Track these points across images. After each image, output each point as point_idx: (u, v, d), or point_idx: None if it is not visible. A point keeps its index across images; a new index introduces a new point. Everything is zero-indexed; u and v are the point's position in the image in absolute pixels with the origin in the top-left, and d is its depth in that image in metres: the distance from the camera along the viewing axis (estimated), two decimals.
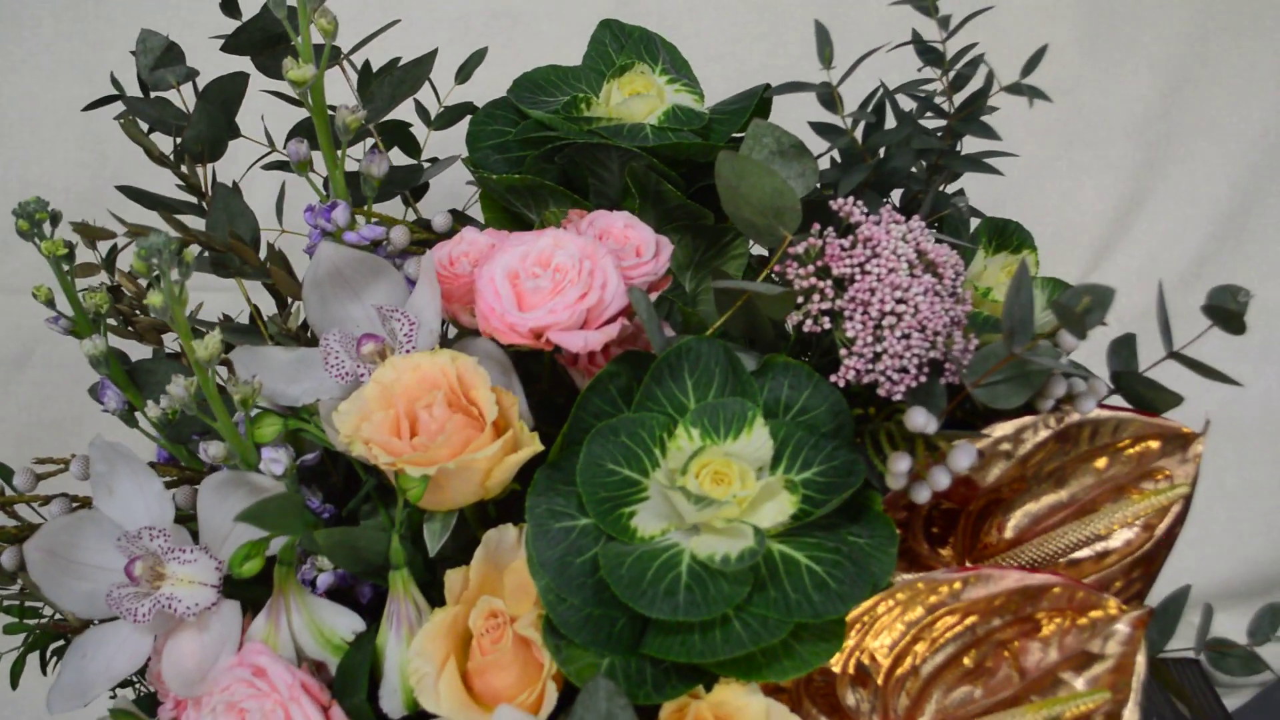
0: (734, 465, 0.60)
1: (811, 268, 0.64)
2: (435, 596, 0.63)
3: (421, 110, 0.82)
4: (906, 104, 0.72)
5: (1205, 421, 0.71)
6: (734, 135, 0.76)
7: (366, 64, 0.79)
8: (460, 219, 0.78)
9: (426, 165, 0.79)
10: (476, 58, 0.82)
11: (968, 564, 0.71)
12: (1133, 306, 1.22)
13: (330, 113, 0.66)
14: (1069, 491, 0.70)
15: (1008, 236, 0.78)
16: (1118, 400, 0.70)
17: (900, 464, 0.61)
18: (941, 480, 0.61)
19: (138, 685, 0.70)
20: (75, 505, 0.68)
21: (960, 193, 0.76)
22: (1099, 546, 0.70)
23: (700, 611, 0.57)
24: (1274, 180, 1.20)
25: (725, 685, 0.60)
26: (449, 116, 0.82)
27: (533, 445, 0.60)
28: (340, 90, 0.81)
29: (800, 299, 0.63)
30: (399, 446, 0.59)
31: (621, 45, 0.80)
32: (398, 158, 0.80)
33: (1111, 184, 1.22)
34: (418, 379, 0.61)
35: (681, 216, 0.74)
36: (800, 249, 0.64)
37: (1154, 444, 0.69)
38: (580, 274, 0.60)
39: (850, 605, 0.59)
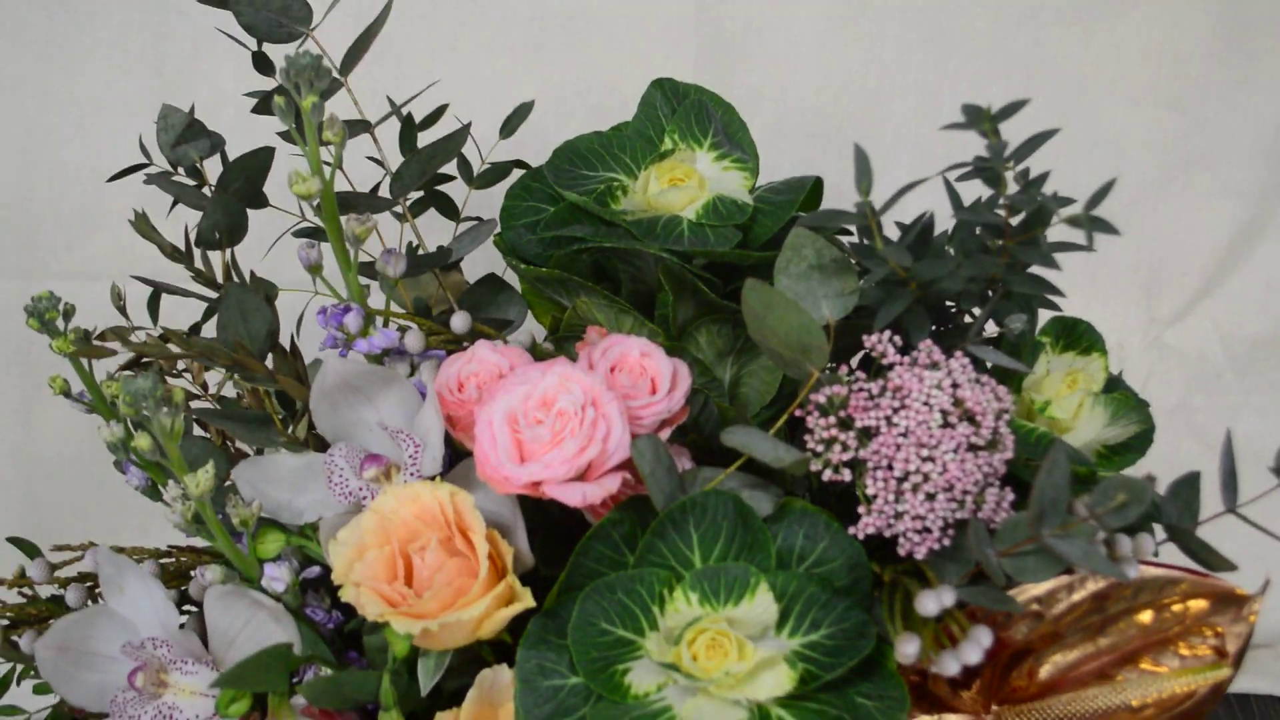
0: (732, 636, 0.57)
1: (833, 417, 0.60)
2: None
3: (464, 164, 0.79)
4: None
5: (1265, 582, 0.66)
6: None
7: (409, 118, 0.76)
8: (490, 294, 0.75)
9: (465, 229, 0.76)
10: (522, 111, 0.78)
11: (994, 707, 0.67)
12: (1245, 337, 1.14)
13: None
14: (1109, 641, 0.66)
15: (1076, 337, 0.72)
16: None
17: (908, 647, 0.58)
18: (951, 668, 0.58)
19: None
20: (90, 588, 0.69)
21: (1026, 300, 0.70)
22: (1134, 697, 0.66)
23: None
24: None
25: None
26: (492, 176, 0.78)
27: (524, 600, 0.59)
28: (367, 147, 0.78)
29: (820, 448, 0.60)
30: (390, 594, 0.58)
31: (673, 108, 0.75)
32: (434, 220, 0.78)
33: (1231, 207, 1.13)
34: (416, 512, 0.60)
35: (720, 308, 0.71)
36: (823, 397, 0.60)
37: (1204, 603, 0.64)
38: (582, 423, 0.58)
39: None
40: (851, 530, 0.60)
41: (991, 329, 0.74)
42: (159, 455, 0.57)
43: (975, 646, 0.57)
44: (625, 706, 0.58)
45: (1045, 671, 0.66)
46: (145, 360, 0.72)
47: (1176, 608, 0.64)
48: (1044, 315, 0.74)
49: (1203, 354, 1.14)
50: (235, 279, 0.72)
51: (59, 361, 0.68)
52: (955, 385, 0.60)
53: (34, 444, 1.21)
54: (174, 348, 0.60)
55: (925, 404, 0.59)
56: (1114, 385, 0.72)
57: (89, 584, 0.70)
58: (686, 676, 0.57)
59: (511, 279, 0.77)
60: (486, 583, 0.58)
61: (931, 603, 0.57)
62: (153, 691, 0.63)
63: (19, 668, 0.73)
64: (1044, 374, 0.72)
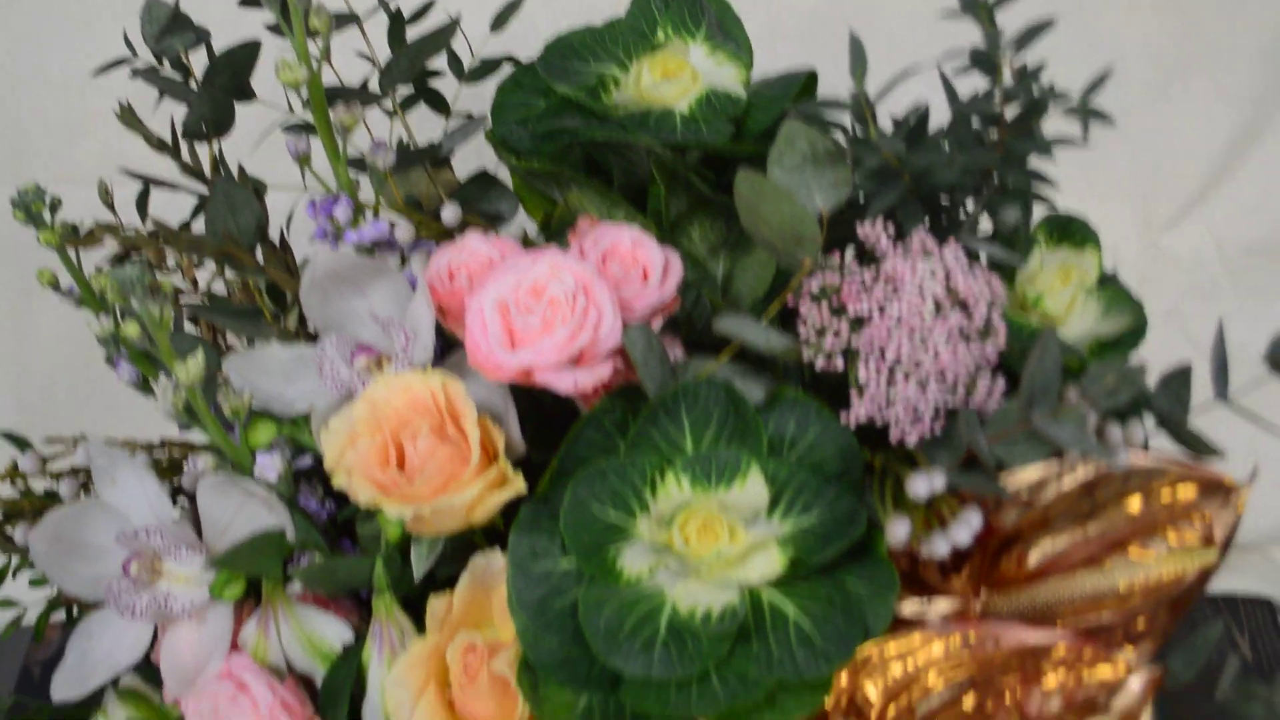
0: (723, 519, 0.57)
1: (826, 305, 0.60)
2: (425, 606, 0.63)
3: (454, 60, 0.78)
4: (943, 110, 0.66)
5: (1252, 469, 0.66)
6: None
7: (398, 12, 0.75)
8: (481, 190, 0.74)
9: (456, 125, 0.75)
10: (513, 6, 0.77)
11: (982, 592, 0.68)
12: (1240, 243, 1.14)
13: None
14: (1098, 528, 0.66)
15: (1070, 232, 0.72)
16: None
17: (898, 529, 0.58)
18: (941, 549, 0.58)
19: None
20: (84, 482, 0.69)
21: (1022, 193, 0.70)
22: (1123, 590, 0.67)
23: (675, 670, 0.56)
24: None
25: None
26: (483, 71, 0.77)
27: (516, 485, 0.59)
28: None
29: (813, 336, 0.60)
30: (381, 479, 0.58)
31: (667, 2, 0.74)
32: (425, 121, 0.77)
33: (1228, 113, 1.12)
34: (407, 401, 0.60)
35: (713, 201, 0.70)
36: (815, 285, 0.60)
37: (1193, 491, 0.65)
38: (574, 311, 0.57)
39: (835, 665, 0.57)
40: (843, 418, 0.60)
41: (986, 230, 0.74)
42: (148, 344, 0.57)
43: (965, 527, 0.58)
44: (617, 589, 0.58)
45: (1034, 558, 0.67)
46: (134, 254, 0.72)
47: (1166, 496, 0.65)
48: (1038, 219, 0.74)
49: (1197, 260, 1.14)
50: (223, 174, 0.71)
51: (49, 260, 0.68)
52: (948, 274, 0.60)
53: (25, 355, 1.21)
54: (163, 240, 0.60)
55: (918, 292, 0.59)
56: (1107, 282, 0.72)
57: (82, 478, 0.70)
58: (678, 559, 0.57)
59: (503, 177, 0.77)
60: (478, 468, 0.58)
61: (922, 485, 0.57)
62: (147, 580, 0.63)
63: (14, 561, 0.73)
64: (1037, 268, 0.71)
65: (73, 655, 0.65)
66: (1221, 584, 1.26)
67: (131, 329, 0.56)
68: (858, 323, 0.59)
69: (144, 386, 0.71)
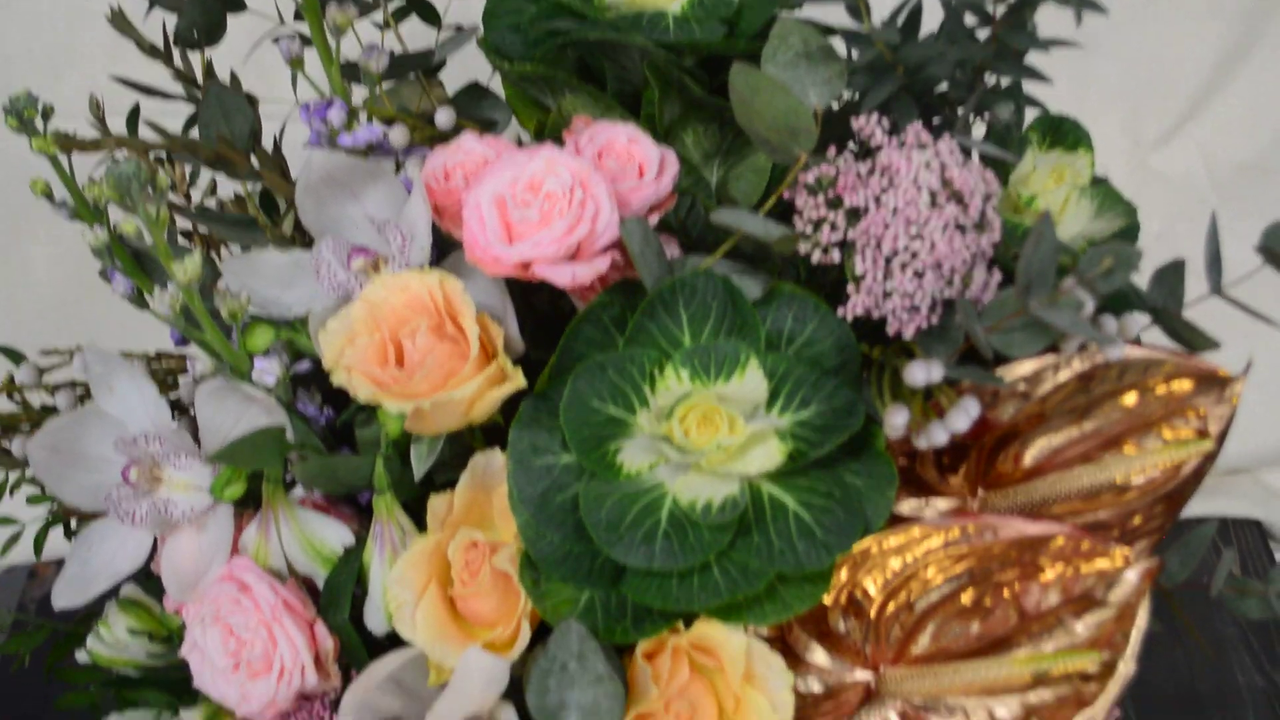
0: (722, 410, 0.58)
1: (822, 197, 0.60)
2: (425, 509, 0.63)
3: None
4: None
5: (1247, 362, 0.66)
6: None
7: None
8: (474, 101, 0.74)
9: (450, 35, 0.74)
10: None
11: (980, 491, 0.68)
12: (1229, 161, 1.14)
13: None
14: (1093, 425, 0.67)
15: (1063, 133, 0.72)
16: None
17: (896, 417, 0.58)
18: (939, 437, 0.58)
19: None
20: (81, 394, 0.69)
21: (1012, 89, 0.70)
22: (1120, 484, 0.67)
23: (677, 561, 0.56)
24: None
25: (705, 621, 0.60)
26: None
27: (515, 380, 0.59)
28: None
29: (809, 229, 0.60)
30: (381, 376, 0.58)
31: None
32: (417, 33, 0.76)
33: (1217, 29, 1.12)
34: (406, 300, 0.60)
35: (707, 105, 0.70)
36: (812, 177, 0.60)
37: (1188, 384, 0.65)
38: (571, 204, 0.57)
39: (835, 555, 0.58)
40: (840, 311, 0.60)
41: (978, 136, 0.74)
42: (144, 244, 0.57)
43: (963, 414, 0.58)
44: (618, 483, 0.59)
45: (1030, 456, 0.67)
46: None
47: (1160, 390, 0.65)
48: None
49: (1187, 178, 1.14)
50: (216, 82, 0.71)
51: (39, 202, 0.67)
52: (944, 166, 0.60)
53: (18, 293, 1.21)
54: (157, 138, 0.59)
55: (914, 183, 0.59)
56: (1099, 183, 0.72)
57: (79, 390, 0.70)
58: (678, 450, 0.57)
59: (496, 88, 0.77)
60: (477, 363, 0.58)
61: (920, 372, 0.57)
62: (147, 487, 0.63)
63: (11, 478, 0.73)
64: (1030, 170, 0.72)
65: (73, 564, 0.65)
66: (1212, 507, 1.28)
67: (128, 227, 0.56)
68: (854, 215, 0.59)
69: (138, 300, 0.70)
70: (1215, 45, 1.13)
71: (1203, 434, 0.66)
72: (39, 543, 0.76)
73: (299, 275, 0.65)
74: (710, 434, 0.57)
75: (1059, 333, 0.59)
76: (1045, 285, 0.56)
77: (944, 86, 0.71)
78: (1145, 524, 0.68)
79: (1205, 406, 0.66)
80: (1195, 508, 1.25)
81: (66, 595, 0.64)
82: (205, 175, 0.79)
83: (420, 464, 0.61)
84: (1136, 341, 0.65)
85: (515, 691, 0.60)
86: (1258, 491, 1.29)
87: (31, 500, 0.74)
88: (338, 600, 0.61)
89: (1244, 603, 0.69)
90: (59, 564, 1.21)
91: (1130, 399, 0.66)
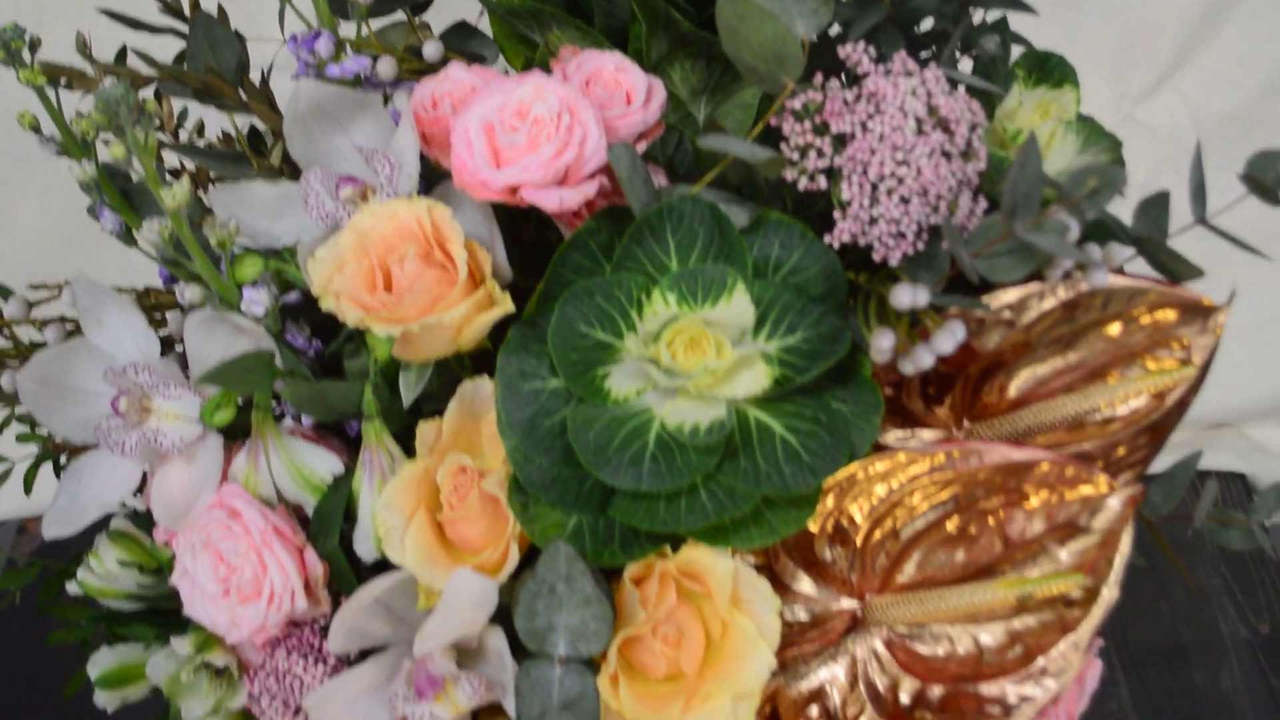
0: (709, 334, 0.58)
1: (809, 124, 0.60)
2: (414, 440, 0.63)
3: None
4: None
5: (1230, 292, 0.67)
6: None
7: None
8: (461, 40, 0.74)
9: None
10: None
11: (965, 422, 0.69)
12: (1214, 113, 1.15)
13: None
14: (1078, 355, 0.67)
15: (1049, 70, 0.72)
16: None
17: (883, 340, 0.59)
18: (925, 360, 0.59)
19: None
20: (70, 330, 0.69)
21: (998, 24, 0.70)
22: (1104, 414, 0.68)
23: (665, 483, 0.57)
24: None
25: (692, 546, 0.60)
26: None
27: (504, 305, 0.59)
28: None
29: (796, 155, 0.60)
30: (369, 301, 0.58)
31: None
32: None
33: None
34: (394, 228, 0.60)
35: (694, 40, 0.70)
36: (798, 104, 0.60)
37: (1172, 314, 0.66)
38: (558, 129, 0.58)
39: (821, 479, 0.58)
40: (826, 238, 0.60)
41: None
42: (132, 167, 0.57)
43: (949, 337, 0.58)
44: (605, 409, 0.59)
45: (1015, 387, 0.68)
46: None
47: (1145, 320, 0.66)
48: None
49: (1173, 131, 1.14)
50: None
51: (29, 153, 0.67)
52: (930, 93, 0.60)
53: (4, 235, 1.21)
54: (145, 68, 0.59)
55: (900, 109, 0.59)
56: (1084, 119, 0.73)
57: (69, 326, 0.70)
58: (665, 373, 0.57)
59: (484, 29, 0.77)
60: (465, 288, 0.59)
61: (906, 295, 0.58)
62: (136, 418, 0.64)
63: (2, 415, 0.73)
64: (1016, 105, 0.72)
65: (63, 497, 0.65)
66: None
67: (117, 151, 0.56)
68: (840, 141, 0.60)
69: (127, 237, 0.70)
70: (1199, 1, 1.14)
71: (1185, 364, 0.66)
72: (29, 480, 0.76)
73: (287, 207, 0.65)
74: (697, 358, 0.58)
75: (1044, 258, 0.60)
76: (1030, 208, 0.57)
77: (930, 23, 0.72)
78: (1129, 455, 0.69)
79: (1189, 336, 0.66)
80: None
81: (56, 526, 0.64)
82: (193, 117, 0.79)
83: (409, 391, 0.61)
84: (1120, 271, 0.65)
85: (504, 620, 0.60)
86: (1242, 444, 1.31)
87: (21, 439, 0.74)
88: (327, 527, 0.61)
89: (1226, 534, 0.70)
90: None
91: (1114, 329, 0.66)
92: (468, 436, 0.62)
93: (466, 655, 0.61)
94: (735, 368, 0.59)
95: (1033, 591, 0.62)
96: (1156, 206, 0.67)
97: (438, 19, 0.79)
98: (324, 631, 0.62)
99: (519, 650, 0.59)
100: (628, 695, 0.59)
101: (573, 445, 0.58)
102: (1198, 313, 0.66)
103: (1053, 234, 0.57)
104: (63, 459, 0.74)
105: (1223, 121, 1.16)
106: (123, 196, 0.69)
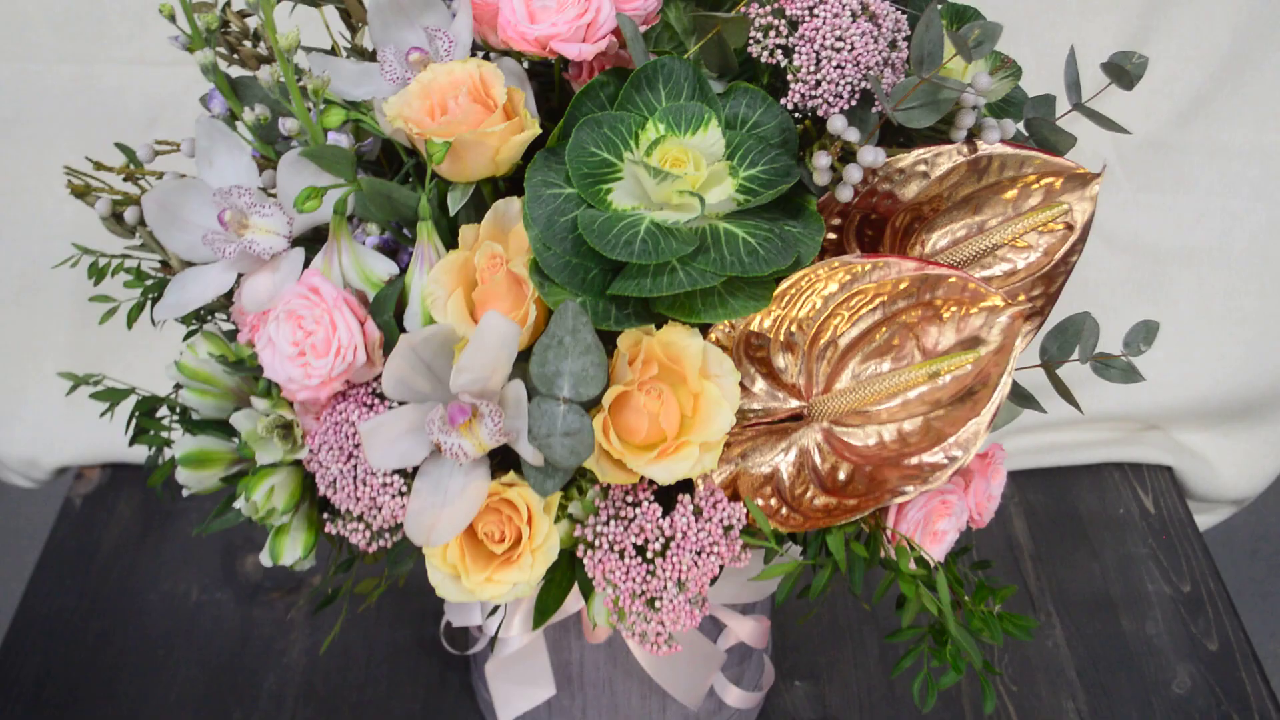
0: (689, 153, 0.76)
1: (769, 8, 0.79)
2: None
3: None
4: None
5: (1102, 164, 0.85)
6: None
7: None
8: None
9: None
10: None
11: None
12: (1129, 140, 1.33)
13: None
14: (983, 218, 0.84)
15: (966, 18, 0.91)
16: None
17: (821, 160, 0.76)
18: (854, 174, 0.76)
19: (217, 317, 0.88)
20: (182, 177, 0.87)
21: None
22: (1006, 266, 0.85)
23: (652, 257, 0.73)
24: (1277, 27, 1.29)
25: (672, 327, 0.76)
26: None
27: (534, 129, 0.77)
28: None
29: (760, 35, 0.79)
30: (429, 124, 0.76)
31: None
32: None
33: (1116, 22, 1.31)
34: (450, 79, 0.78)
35: None
36: None
37: (1056, 181, 0.83)
38: (578, 2, 0.76)
39: (773, 268, 0.74)
40: (783, 101, 0.78)
41: None
42: (254, 11, 0.75)
43: (871, 153, 0.76)
44: (608, 212, 0.76)
45: (933, 241, 0.85)
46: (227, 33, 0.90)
47: (1035, 186, 0.83)
48: None
49: (1095, 154, 1.33)
50: None
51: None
52: None
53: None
54: None
55: (840, 2, 0.78)
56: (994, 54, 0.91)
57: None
58: (654, 174, 0.75)
59: None
60: (503, 114, 0.76)
61: (839, 122, 0.76)
62: (237, 231, 0.81)
63: (113, 263, 0.90)
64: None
65: (170, 296, 0.82)
66: (1129, 454, 1.43)
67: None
68: (794, 24, 0.78)
69: (230, 123, 0.88)
70: (1116, 26, 1.33)
71: (1069, 227, 0.84)
72: (131, 320, 0.92)
73: (367, 78, 0.83)
74: (680, 167, 0.75)
75: (948, 108, 0.77)
76: (935, 60, 0.75)
77: None
78: (1028, 304, 0.86)
79: (1071, 203, 0.84)
80: (1116, 455, 1.43)
81: (163, 312, 0.81)
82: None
83: (455, 204, 0.78)
84: (1012, 143, 0.83)
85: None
86: (1168, 443, 1.45)
87: (129, 285, 0.91)
88: (384, 305, 0.77)
89: (1108, 371, 0.86)
90: (103, 468, 1.37)
91: (1011, 194, 0.84)
92: (499, 242, 0.79)
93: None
94: (709, 181, 0.76)
95: (940, 368, 0.78)
96: (1043, 101, 0.86)
97: None
98: (377, 394, 0.78)
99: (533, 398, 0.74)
100: (616, 439, 0.75)
101: (582, 235, 0.74)
102: (1077, 180, 0.83)
103: (955, 80, 0.75)
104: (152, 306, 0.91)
105: (1140, 146, 1.34)
106: (230, 87, 0.87)
